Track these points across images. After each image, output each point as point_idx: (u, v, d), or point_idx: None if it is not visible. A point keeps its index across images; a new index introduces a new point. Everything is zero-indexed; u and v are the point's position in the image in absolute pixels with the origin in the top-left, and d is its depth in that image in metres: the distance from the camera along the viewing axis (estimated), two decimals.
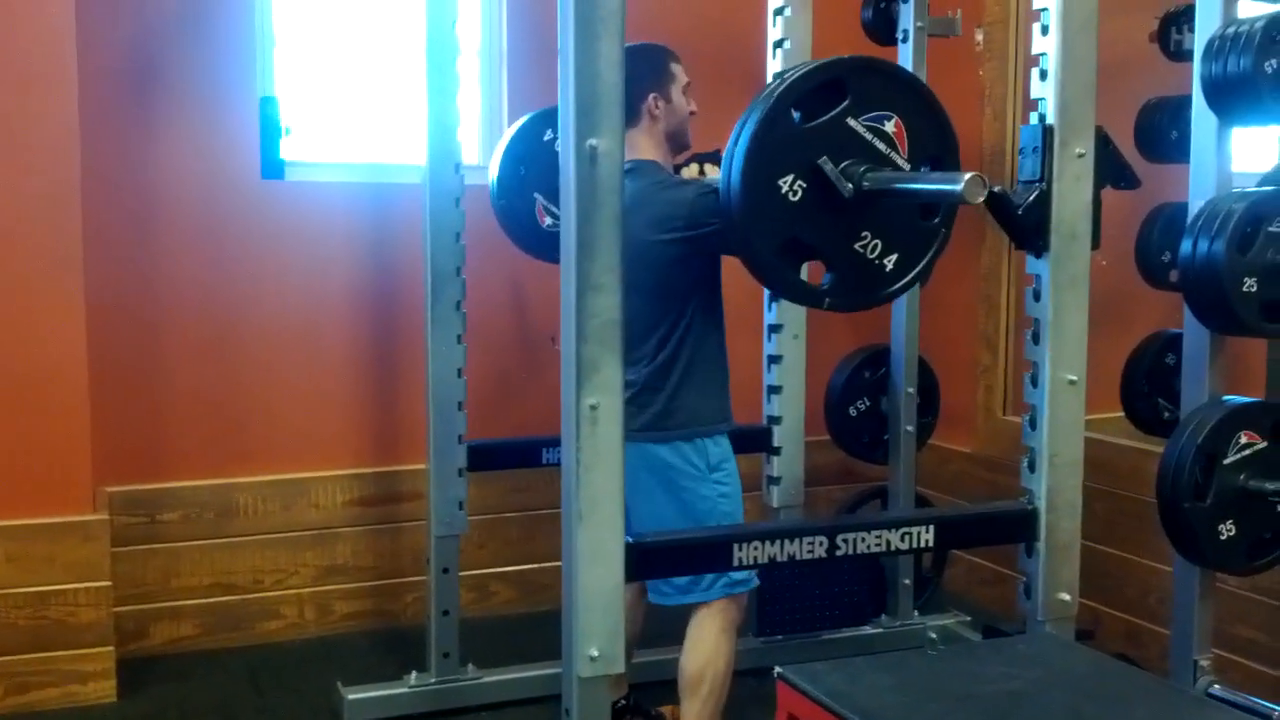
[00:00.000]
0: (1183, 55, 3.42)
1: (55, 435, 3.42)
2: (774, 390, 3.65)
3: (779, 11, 3.52)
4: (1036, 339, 2.39)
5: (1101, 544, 3.60)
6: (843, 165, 2.09)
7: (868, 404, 3.93)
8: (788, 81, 2.10)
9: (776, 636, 3.69)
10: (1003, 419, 4.29)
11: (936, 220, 2.24)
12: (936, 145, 2.20)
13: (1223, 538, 2.57)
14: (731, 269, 2.69)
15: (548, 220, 3.46)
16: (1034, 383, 2.40)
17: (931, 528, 2.41)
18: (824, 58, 2.16)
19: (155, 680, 3.62)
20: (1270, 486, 2.54)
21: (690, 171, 3.34)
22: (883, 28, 3.83)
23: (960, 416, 4.36)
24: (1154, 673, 2.25)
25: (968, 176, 1.96)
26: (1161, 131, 3.47)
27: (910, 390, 3.83)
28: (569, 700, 2.13)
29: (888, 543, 2.36)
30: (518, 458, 3.71)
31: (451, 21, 3.24)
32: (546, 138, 3.43)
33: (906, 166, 2.16)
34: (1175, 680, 2.74)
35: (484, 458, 3.48)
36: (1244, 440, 2.57)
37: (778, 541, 2.29)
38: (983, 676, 1.91)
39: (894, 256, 2.20)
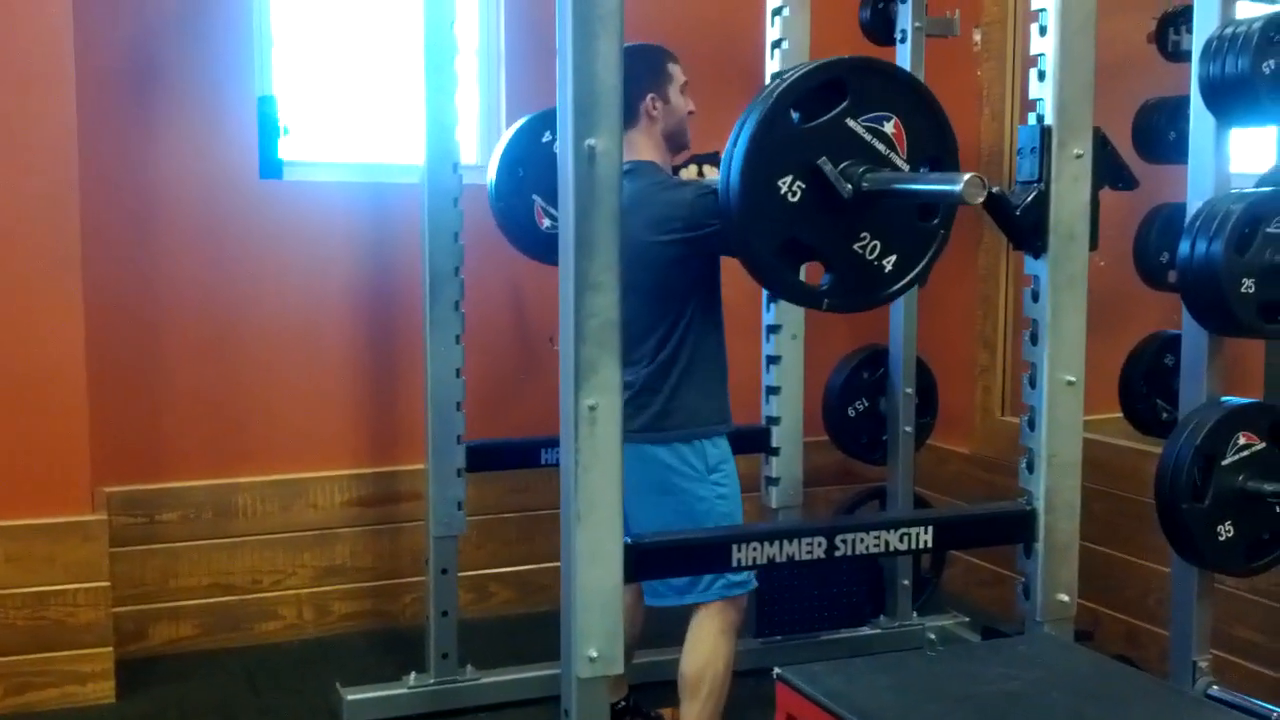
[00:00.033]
0: (1181, 56, 3.43)
1: (54, 435, 3.42)
2: (772, 391, 3.65)
3: (777, 11, 3.52)
4: (1035, 340, 2.40)
5: (1100, 545, 3.60)
6: (842, 166, 2.09)
7: (866, 404, 3.93)
8: (787, 82, 2.10)
9: (775, 637, 3.69)
10: (1001, 419, 4.29)
11: (936, 221, 2.24)
12: (936, 146, 2.20)
13: (1221, 539, 2.57)
14: (730, 270, 2.69)
15: (546, 222, 3.46)
16: (1032, 383, 2.41)
17: (930, 528, 2.42)
18: (822, 58, 2.17)
19: (154, 681, 3.62)
20: (1269, 487, 2.54)
21: (689, 173, 3.34)
22: (881, 28, 3.83)
23: (959, 417, 4.36)
24: (1153, 674, 2.25)
25: (967, 177, 1.96)
26: (1159, 132, 3.47)
27: (909, 391, 3.83)
28: (568, 701, 2.13)
29: (886, 543, 2.36)
30: (516, 458, 3.71)
31: (450, 21, 3.24)
32: (545, 139, 3.43)
33: (906, 167, 2.16)
34: (1174, 681, 2.74)
35: (483, 458, 3.48)
36: (1242, 441, 2.57)
37: (776, 542, 2.29)
38: (981, 677, 1.91)
39: (893, 257, 2.20)
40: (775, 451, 3.67)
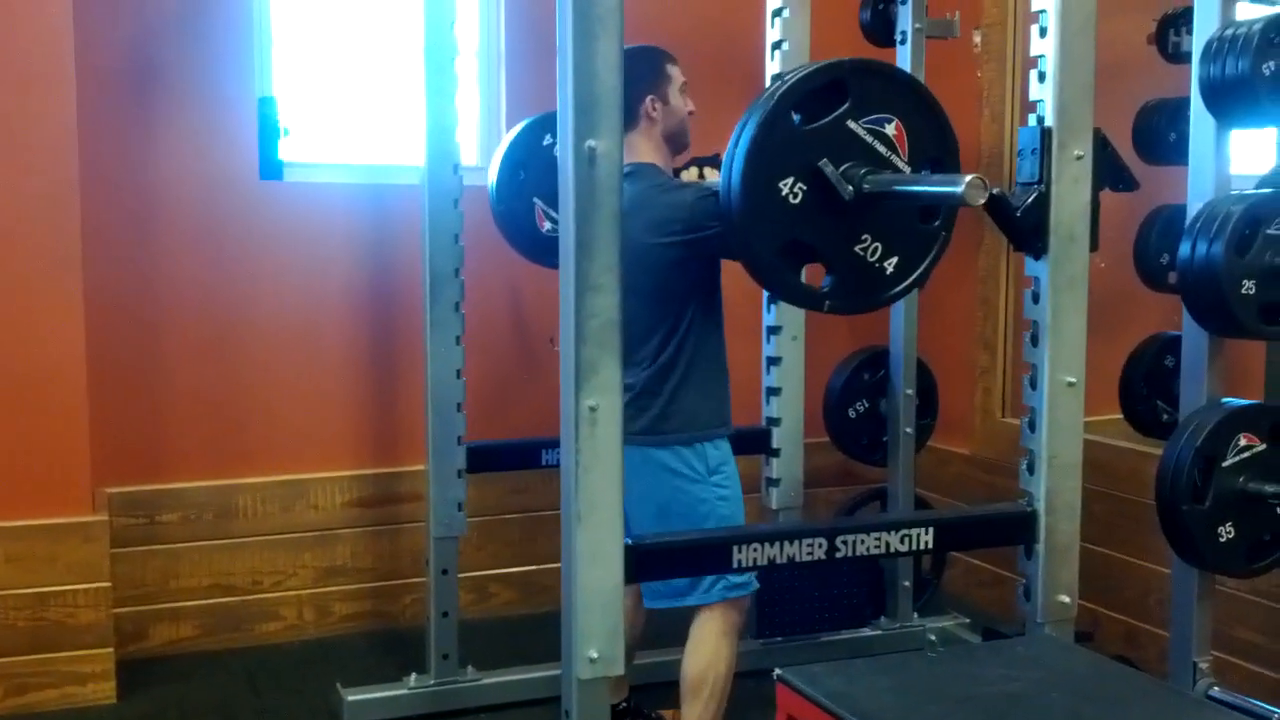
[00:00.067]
0: (1181, 57, 3.43)
1: (55, 436, 3.42)
2: (773, 392, 3.65)
3: (777, 13, 3.52)
4: (1035, 341, 2.39)
5: (1101, 546, 3.61)
6: (843, 168, 2.09)
7: (867, 406, 3.94)
8: (788, 83, 2.10)
9: (776, 638, 3.69)
10: (1002, 421, 4.29)
11: (937, 223, 2.23)
12: (937, 147, 2.20)
13: (1222, 540, 2.57)
14: (730, 271, 2.69)
15: (547, 225, 3.46)
16: (1033, 385, 2.40)
17: (931, 530, 2.42)
18: (823, 60, 2.17)
19: (154, 681, 3.62)
20: (1269, 489, 2.54)
21: (690, 175, 3.34)
22: (881, 29, 3.83)
23: (959, 418, 4.36)
24: (1153, 675, 2.25)
25: (968, 179, 1.96)
26: (1160, 133, 3.47)
27: (909, 392, 3.83)
28: (569, 702, 2.12)
29: (887, 545, 2.36)
30: (517, 459, 3.72)
31: (450, 22, 3.24)
32: (545, 142, 3.43)
33: (907, 169, 2.16)
34: (1174, 682, 2.74)
35: (483, 459, 3.48)
36: (1243, 442, 2.57)
37: (777, 543, 2.29)
38: (982, 678, 1.91)
39: (894, 259, 2.20)
40: (776, 453, 3.67)
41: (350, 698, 3.35)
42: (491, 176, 3.54)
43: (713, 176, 3.28)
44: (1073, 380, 2.38)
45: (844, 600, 3.76)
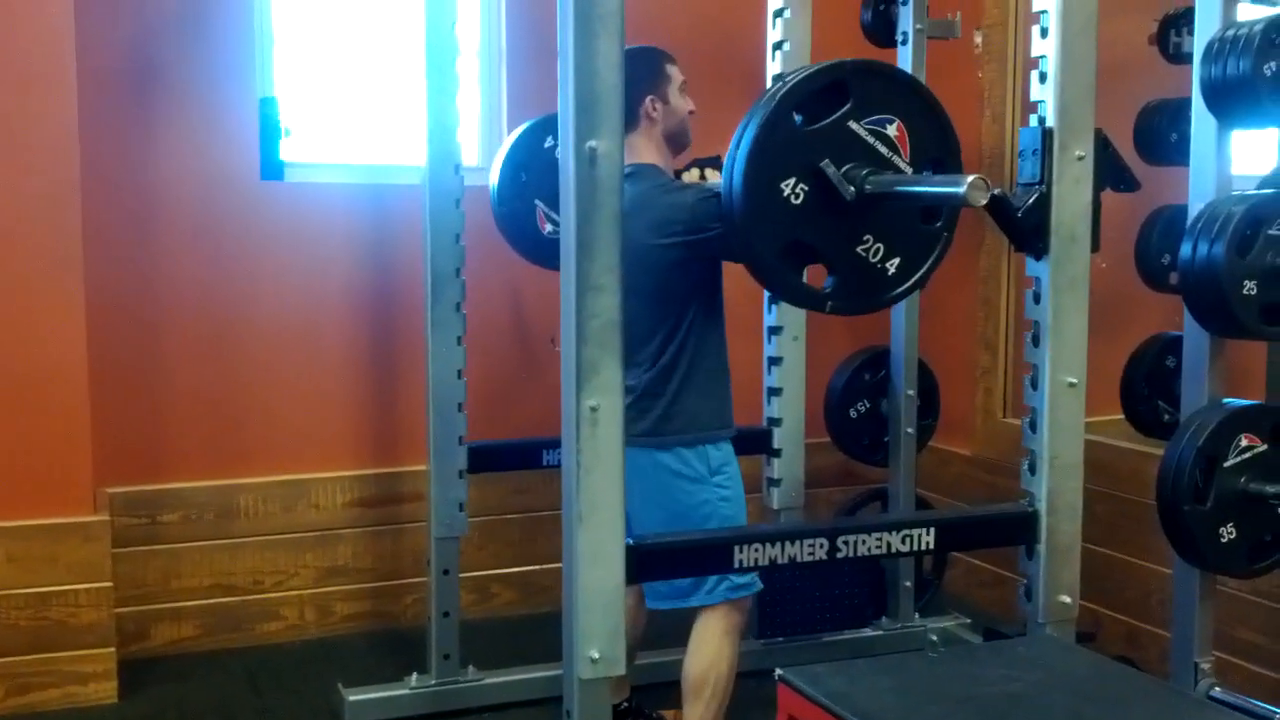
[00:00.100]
0: (1182, 58, 3.43)
1: (55, 436, 3.42)
2: (774, 392, 3.65)
3: (778, 13, 3.52)
4: (1036, 341, 2.40)
5: (1102, 546, 3.61)
6: (845, 168, 2.09)
7: (868, 406, 3.93)
8: (790, 84, 2.10)
9: (777, 639, 3.69)
10: (1003, 421, 4.29)
11: (939, 224, 2.24)
12: (938, 148, 2.20)
13: (1223, 540, 2.57)
14: (731, 271, 2.69)
15: (549, 227, 3.46)
16: (1034, 385, 2.41)
17: (932, 530, 2.42)
18: (823, 60, 2.17)
19: (156, 681, 3.62)
20: (1270, 489, 2.54)
21: (691, 176, 3.34)
22: (882, 30, 3.83)
23: (960, 419, 4.36)
24: (1155, 675, 2.25)
25: (970, 179, 1.96)
26: (1161, 134, 3.47)
27: (910, 392, 3.83)
28: (570, 702, 2.13)
29: (888, 545, 2.36)
30: (518, 459, 3.72)
31: (451, 22, 3.24)
32: (547, 144, 3.43)
33: (908, 170, 2.16)
34: (1176, 683, 2.74)
35: (484, 459, 3.48)
36: (1244, 443, 2.57)
37: (778, 543, 2.29)
38: (983, 679, 1.91)
39: (896, 260, 2.20)
40: (777, 453, 3.67)
41: (351, 698, 3.35)
42: (493, 178, 3.54)
43: (714, 178, 3.27)
44: (1074, 381, 2.38)
45: (845, 600, 3.76)
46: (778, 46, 3.53)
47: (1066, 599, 2.42)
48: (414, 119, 3.33)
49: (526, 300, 4.17)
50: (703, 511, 2.80)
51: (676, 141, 2.95)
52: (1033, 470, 2.42)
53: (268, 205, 3.88)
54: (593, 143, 2.00)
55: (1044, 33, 2.34)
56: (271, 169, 3.89)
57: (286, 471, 3.96)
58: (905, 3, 3.67)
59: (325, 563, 4.01)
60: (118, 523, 3.64)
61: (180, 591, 3.84)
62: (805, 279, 2.23)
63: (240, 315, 3.88)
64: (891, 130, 2.14)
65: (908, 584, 3.90)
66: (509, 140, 3.57)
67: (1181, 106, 2.98)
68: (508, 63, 4.16)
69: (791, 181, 2.08)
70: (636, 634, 3.09)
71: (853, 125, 2.12)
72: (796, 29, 3.50)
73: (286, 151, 3.91)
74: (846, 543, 2.33)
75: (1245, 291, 2.49)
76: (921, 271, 2.23)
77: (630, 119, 2.70)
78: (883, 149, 2.14)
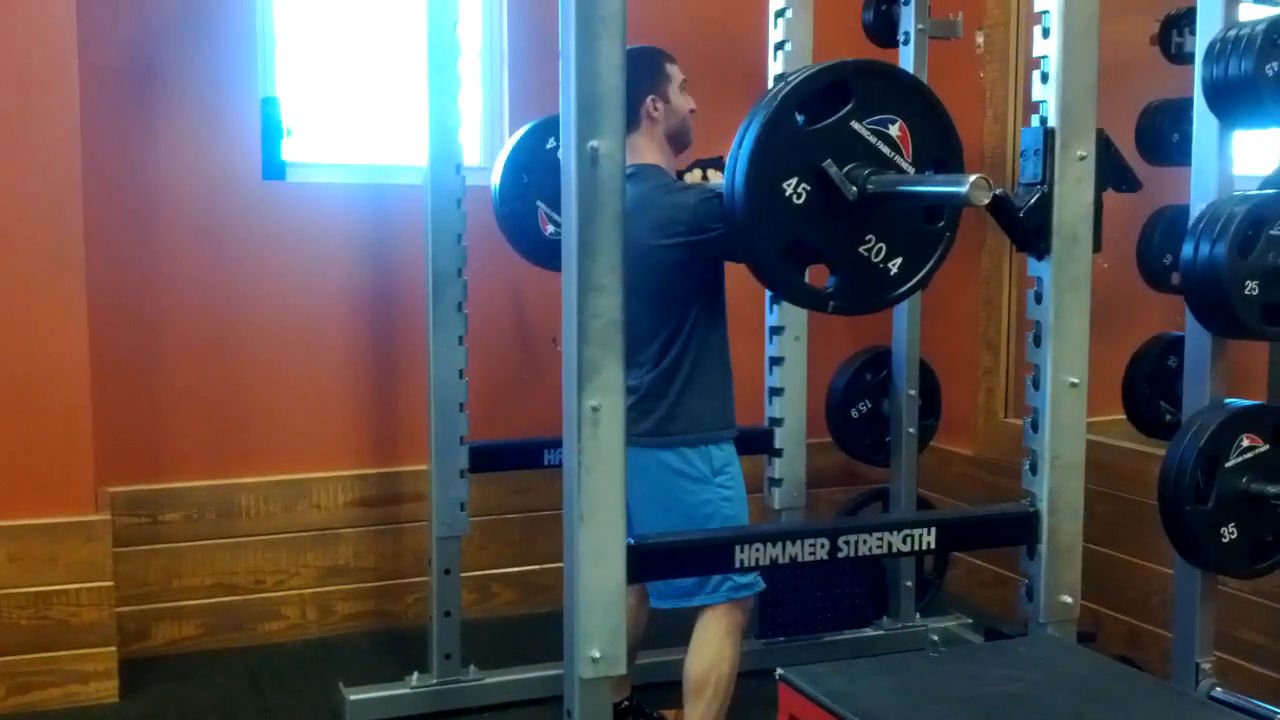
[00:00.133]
0: (1184, 58, 3.43)
1: (57, 435, 3.42)
2: (775, 392, 3.65)
3: (780, 13, 3.52)
4: (1038, 341, 2.39)
5: (1103, 546, 3.61)
6: (847, 168, 2.09)
7: (869, 406, 3.94)
8: (792, 84, 2.11)
9: (778, 638, 3.69)
10: (1004, 421, 4.29)
11: (941, 224, 2.24)
12: (940, 148, 2.20)
13: (1224, 540, 2.57)
14: (732, 271, 2.69)
15: (550, 228, 3.46)
16: (1035, 385, 2.40)
17: (933, 530, 2.42)
18: (825, 60, 2.17)
19: (157, 680, 3.62)
20: (1272, 489, 2.54)
21: (693, 177, 3.34)
22: (884, 30, 3.83)
23: (962, 419, 4.36)
24: (1156, 675, 2.25)
25: (972, 179, 1.96)
26: (1163, 134, 3.47)
27: (912, 392, 3.83)
28: (570, 701, 2.13)
29: (889, 545, 2.36)
30: (519, 459, 3.72)
31: (453, 22, 3.24)
32: (549, 146, 3.44)
33: (911, 170, 2.16)
34: (1177, 683, 2.74)
35: (486, 459, 3.48)
36: (1246, 443, 2.57)
37: (779, 543, 2.29)
38: (984, 679, 1.91)
39: (898, 260, 2.20)
40: (778, 453, 3.67)
41: (352, 697, 3.35)
42: (495, 179, 3.54)
43: (716, 178, 3.28)
44: (1075, 381, 2.38)
45: (846, 600, 3.76)
46: (779, 47, 3.53)
47: (1068, 599, 2.42)
48: (416, 119, 3.33)
49: (528, 300, 4.17)
50: (705, 511, 2.80)
51: (678, 140, 2.95)
52: (1034, 470, 2.42)
53: (269, 205, 3.89)
54: (594, 143, 2.00)
55: (1046, 33, 2.34)
56: (273, 169, 3.89)
57: (288, 471, 3.96)
58: (907, 3, 3.67)
59: (326, 562, 4.01)
60: (119, 522, 3.64)
61: (181, 591, 3.84)
62: (807, 279, 2.23)
63: (242, 315, 3.88)
64: (894, 130, 2.14)
65: (909, 584, 3.90)
66: (511, 141, 3.58)
67: (1183, 107, 2.98)
68: (509, 63, 4.16)
69: (793, 181, 2.08)
70: (637, 633, 3.09)
71: (855, 125, 2.12)
72: (798, 29, 3.50)
73: (288, 151, 3.91)
74: (848, 542, 2.33)
75: (1247, 292, 2.49)
76: (924, 271, 2.23)
77: (632, 119, 2.70)
78: (885, 149, 2.14)
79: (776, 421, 3.66)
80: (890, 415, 3.89)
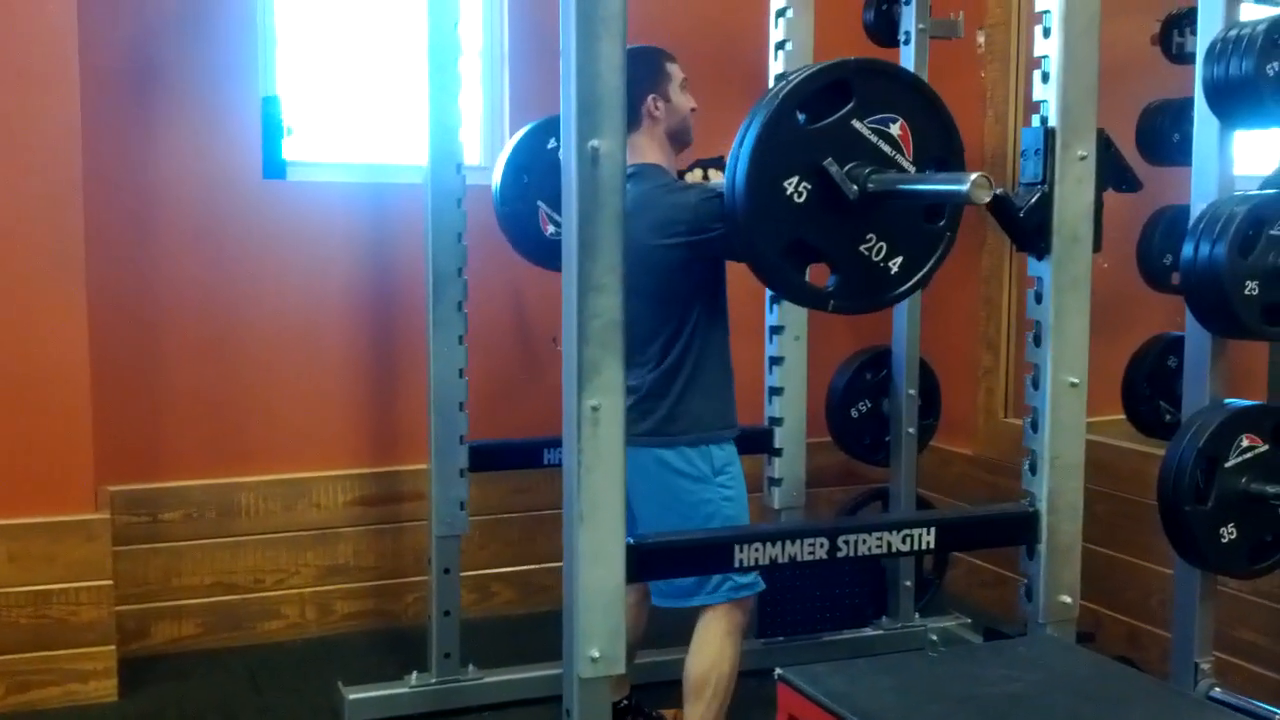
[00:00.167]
0: (1184, 58, 3.43)
1: (57, 435, 3.42)
2: (775, 392, 3.65)
3: (781, 13, 3.52)
4: (1038, 341, 2.39)
5: (1103, 546, 3.60)
6: (848, 167, 2.09)
7: (869, 406, 3.94)
8: (793, 83, 2.11)
9: (777, 638, 3.69)
10: (1004, 421, 4.29)
11: (941, 223, 2.24)
12: (942, 148, 2.20)
13: (1224, 541, 2.57)
14: (732, 271, 2.69)
15: (551, 229, 3.46)
16: (1035, 385, 2.40)
17: (932, 530, 2.42)
18: (826, 60, 2.17)
19: (156, 679, 3.62)
20: (1271, 490, 2.54)
21: (694, 177, 3.34)
22: (884, 30, 3.83)
23: (961, 419, 4.36)
24: (1155, 675, 2.25)
25: (973, 177, 1.96)
26: (1163, 134, 3.47)
27: (911, 392, 3.83)
28: (570, 701, 2.13)
29: (889, 545, 2.36)
30: (519, 458, 3.72)
31: (453, 22, 3.24)
32: (549, 146, 3.43)
33: (912, 169, 2.16)
34: (1176, 683, 2.74)
35: (485, 458, 3.48)
36: (1245, 443, 2.57)
37: (779, 543, 2.29)
38: (983, 679, 1.91)
39: (899, 259, 2.20)
40: (778, 452, 3.67)
41: (351, 696, 3.35)
42: (495, 179, 3.54)
43: (717, 178, 3.28)
44: (1075, 380, 2.38)
45: (846, 600, 3.76)
46: (780, 46, 3.53)
47: (1067, 599, 2.42)
48: (416, 118, 3.33)
49: (528, 299, 4.17)
50: (705, 511, 2.80)
51: (679, 139, 2.95)
52: (1034, 470, 2.42)
53: (270, 204, 3.88)
54: (595, 142, 2.00)
55: (1046, 32, 2.34)
56: (274, 168, 3.89)
57: (287, 470, 3.96)
58: (908, 2, 3.67)
59: (326, 561, 4.01)
60: (118, 521, 3.64)
61: (181, 590, 3.84)
62: (808, 278, 2.23)
63: (242, 314, 3.88)
64: (895, 129, 2.14)
65: (908, 584, 3.90)
66: (511, 142, 3.58)
67: (1184, 107, 2.98)
68: (510, 63, 4.16)
69: (794, 180, 2.08)
70: (637, 633, 3.09)
71: (856, 124, 2.12)
72: (799, 29, 3.50)
73: (289, 150, 3.91)
74: (847, 542, 2.33)
75: (1247, 292, 2.49)
76: (924, 271, 2.23)
77: (633, 119, 2.69)
78: (886, 148, 2.14)
79: (776, 421, 3.66)
80: (890, 415, 3.89)
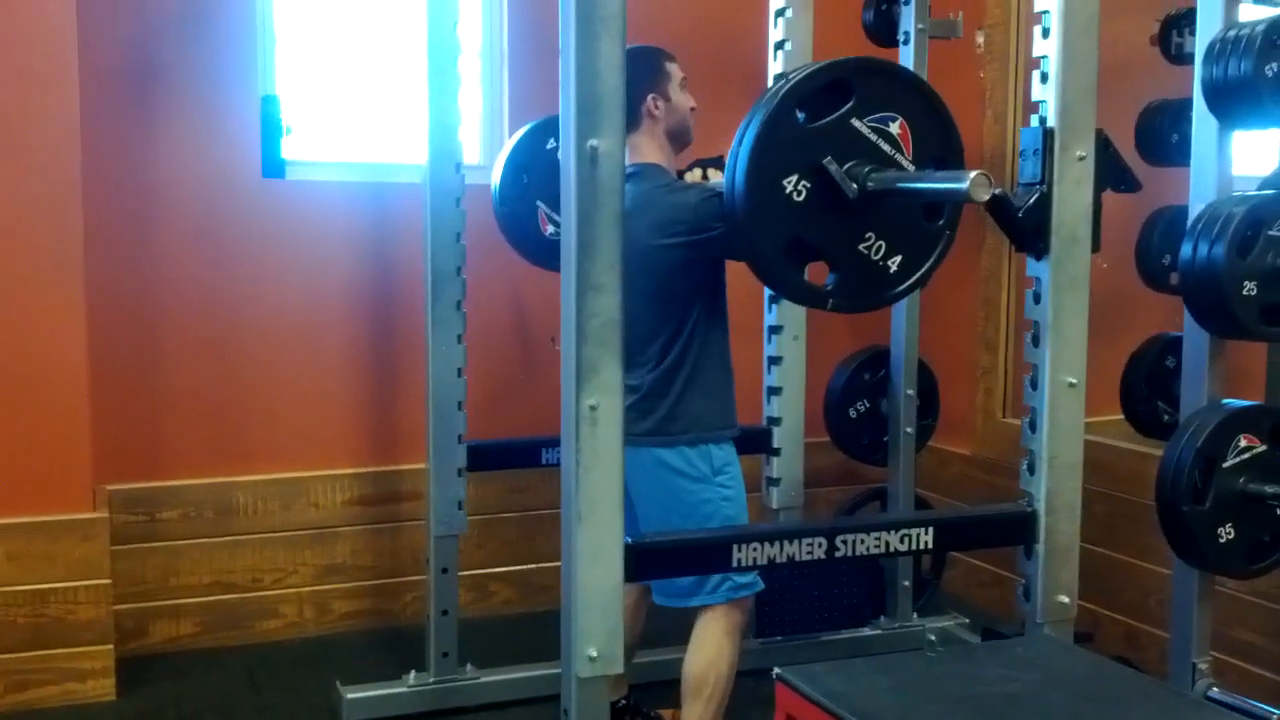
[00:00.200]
0: (1183, 58, 3.43)
1: (55, 434, 3.42)
2: (774, 391, 3.65)
3: (780, 13, 3.52)
4: (1036, 341, 2.40)
5: (1101, 547, 3.61)
6: (847, 165, 2.09)
7: (867, 406, 3.94)
8: (792, 82, 2.11)
9: (775, 638, 3.69)
10: (1002, 421, 4.30)
11: (941, 222, 2.24)
12: (941, 146, 2.20)
13: (1222, 541, 2.57)
14: (731, 270, 2.69)
15: (550, 229, 3.46)
16: (1034, 385, 2.41)
17: (931, 530, 2.42)
18: (825, 59, 2.17)
19: (154, 678, 3.62)
20: (1269, 490, 2.54)
21: (693, 176, 3.34)
22: (884, 30, 3.83)
23: (960, 419, 4.36)
24: (1153, 676, 2.25)
25: (973, 175, 1.96)
26: (1162, 134, 3.47)
27: (910, 392, 3.83)
28: (568, 700, 2.13)
29: (887, 544, 2.36)
30: (517, 458, 3.72)
31: (453, 21, 3.24)
32: (549, 146, 3.43)
33: (911, 168, 2.16)
34: (1174, 683, 2.74)
35: (483, 458, 3.48)
36: (1243, 443, 2.57)
37: (777, 543, 2.29)
38: (981, 679, 1.91)
39: (898, 258, 2.20)
40: (776, 452, 3.67)
41: (349, 695, 3.35)
42: (495, 179, 3.54)
43: (716, 177, 3.28)
44: (1074, 381, 2.38)
45: (844, 600, 3.76)
46: (779, 46, 3.53)
47: (1065, 599, 2.42)
48: (415, 118, 3.33)
49: (527, 299, 4.17)
50: (705, 511, 2.80)
51: (679, 139, 2.95)
52: (1032, 470, 2.42)
53: (269, 203, 3.88)
54: (594, 142, 2.00)
55: (1045, 33, 2.34)
56: (273, 167, 3.87)
57: (286, 469, 3.96)
58: (907, 2, 3.67)
59: (324, 560, 4.01)
60: (116, 520, 3.64)
61: (179, 589, 3.84)
62: (807, 277, 2.23)
63: (240, 313, 3.88)
64: (894, 128, 2.14)
65: (906, 583, 3.90)
66: (511, 142, 3.58)
67: (1183, 107, 2.98)
68: (509, 62, 4.16)
69: (794, 179, 2.08)
70: (635, 633, 3.10)
71: (855, 123, 2.12)
72: (798, 28, 3.50)
73: (288, 150, 3.89)
74: (845, 542, 2.33)
75: (1245, 292, 2.50)
76: (923, 270, 2.24)
77: (632, 118, 2.70)
78: (885, 146, 2.14)
79: (775, 421, 3.66)
80: (888, 415, 3.89)
